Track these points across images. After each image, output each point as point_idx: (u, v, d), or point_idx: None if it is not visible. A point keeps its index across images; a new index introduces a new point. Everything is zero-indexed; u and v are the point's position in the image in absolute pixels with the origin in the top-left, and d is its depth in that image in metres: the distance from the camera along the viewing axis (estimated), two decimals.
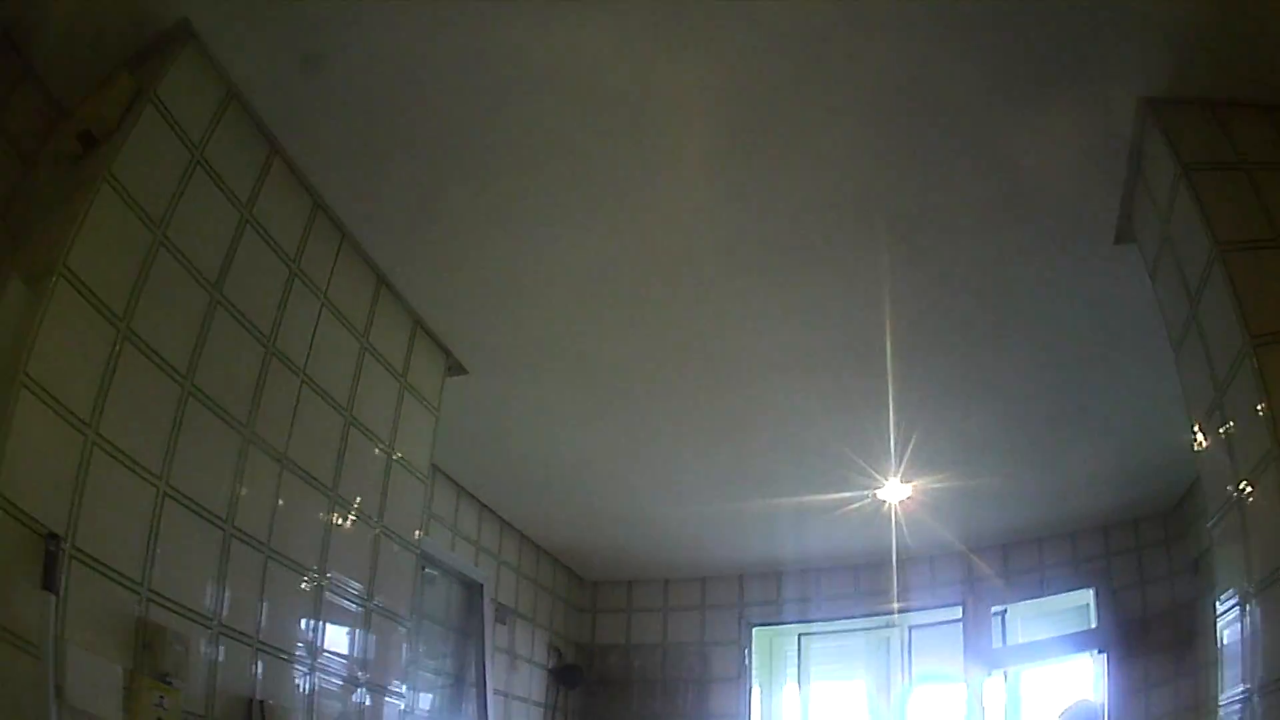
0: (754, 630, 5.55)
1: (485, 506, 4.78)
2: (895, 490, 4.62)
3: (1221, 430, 2.26)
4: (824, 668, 5.70)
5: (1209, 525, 2.41)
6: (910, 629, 5.57)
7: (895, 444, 4.13)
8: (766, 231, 3.01)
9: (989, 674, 5.18)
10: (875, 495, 4.67)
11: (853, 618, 5.52)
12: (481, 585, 4.58)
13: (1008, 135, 2.62)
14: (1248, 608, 2.13)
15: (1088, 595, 5.18)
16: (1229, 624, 2.27)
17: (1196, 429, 2.43)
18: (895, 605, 5.45)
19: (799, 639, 5.71)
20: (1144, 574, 5.10)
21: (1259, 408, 2.06)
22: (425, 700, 4.15)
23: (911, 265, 3.13)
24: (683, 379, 3.82)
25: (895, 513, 4.82)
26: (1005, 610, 5.45)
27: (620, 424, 4.15)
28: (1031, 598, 5.37)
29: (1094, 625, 5.04)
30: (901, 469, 4.41)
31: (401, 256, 3.06)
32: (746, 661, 5.39)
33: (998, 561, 5.40)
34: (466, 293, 3.24)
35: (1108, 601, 5.04)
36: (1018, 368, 3.74)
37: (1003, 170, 2.74)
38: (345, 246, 2.93)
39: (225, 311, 2.36)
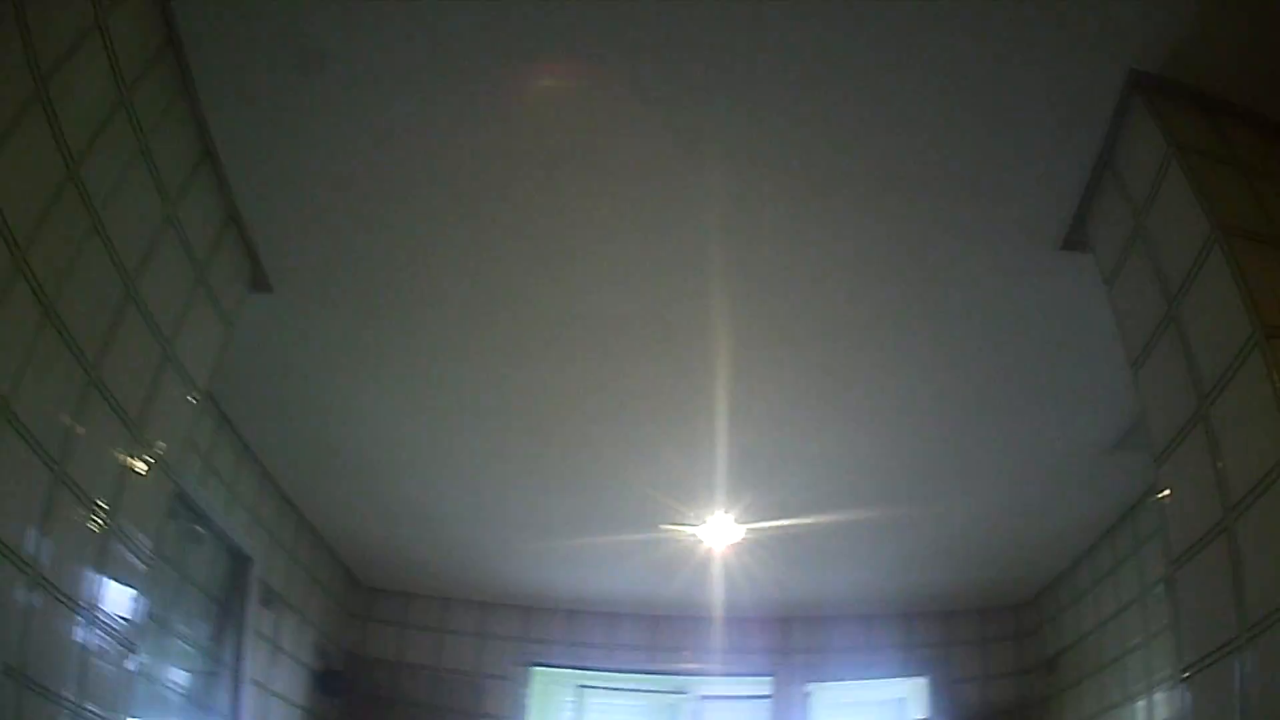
0: (534, 670, 4.98)
1: (268, 474, 4.14)
2: (718, 531, 4.13)
3: (1205, 446, 1.91)
4: None
5: (1170, 566, 1.94)
6: (703, 699, 4.98)
7: (725, 471, 3.67)
8: None
9: None
10: (693, 535, 4.18)
11: (641, 673, 4.95)
12: (251, 560, 3.93)
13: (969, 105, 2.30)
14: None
15: (908, 685, 4.88)
16: None
17: (1162, 456, 2.12)
18: (691, 665, 4.86)
19: (580, 690, 5.11)
20: (988, 667, 4.78)
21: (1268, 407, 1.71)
22: (179, 675, 3.60)
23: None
24: (510, 359, 3.27)
25: (713, 559, 4.34)
26: (810, 690, 5.01)
27: (428, 399, 3.55)
28: (854, 679, 4.96)
29: (929, 716, 4.73)
30: (727, 504, 3.94)
31: (232, 129, 2.45)
32: (522, 702, 4.83)
33: (818, 633, 4.99)
34: (292, 188, 2.64)
35: (944, 694, 4.65)
36: (887, 390, 3.35)
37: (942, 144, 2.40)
38: (181, 101, 2.35)
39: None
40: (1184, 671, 1.85)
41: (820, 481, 3.83)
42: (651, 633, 5.03)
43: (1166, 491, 2.08)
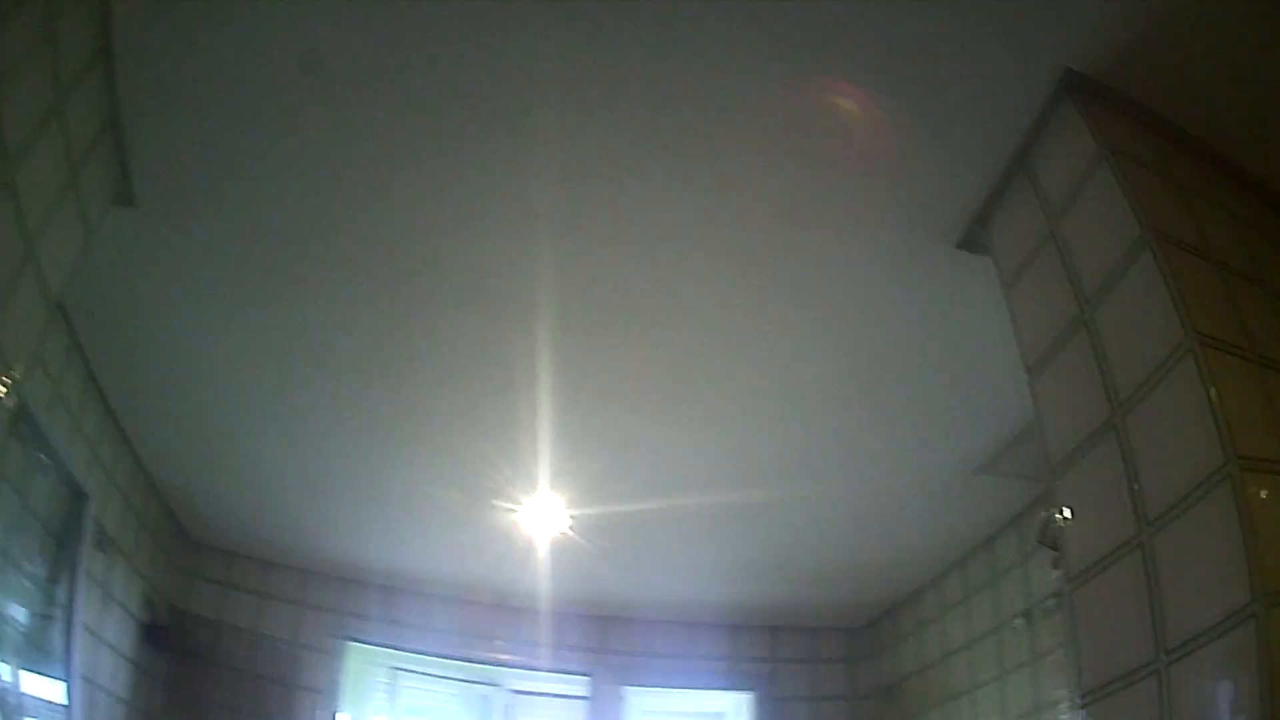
0: (349, 645, 4.63)
1: (110, 409, 3.72)
2: (542, 515, 3.85)
3: (1117, 455, 1.78)
4: (419, 713, 4.82)
5: (1070, 584, 1.79)
6: (513, 693, 4.71)
7: (551, 451, 3.40)
8: None
9: None
10: (515, 518, 3.88)
11: (454, 659, 4.66)
12: (88, 498, 3.59)
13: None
14: None
15: (732, 699, 4.74)
16: None
17: (1063, 466, 1.98)
18: (505, 656, 4.59)
19: (394, 672, 4.78)
20: (818, 688, 4.67)
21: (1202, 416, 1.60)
22: (19, 612, 3.30)
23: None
24: (355, 312, 2.93)
25: (535, 545, 4.05)
26: (627, 695, 4.79)
27: (267, 346, 3.15)
28: (676, 687, 4.77)
29: None
30: (553, 486, 3.67)
31: (131, 27, 2.13)
32: (337, 678, 4.49)
33: (638, 635, 4.78)
34: (176, 101, 2.30)
35: (770, 711, 4.57)
36: (743, 380, 3.13)
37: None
38: None
39: None
40: (1085, 697, 1.70)
41: (655, 472, 3.60)
42: (466, 618, 4.73)
43: (1066, 505, 1.94)
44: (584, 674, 4.67)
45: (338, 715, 4.56)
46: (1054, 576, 3.44)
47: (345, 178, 2.45)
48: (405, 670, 4.85)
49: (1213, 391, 1.59)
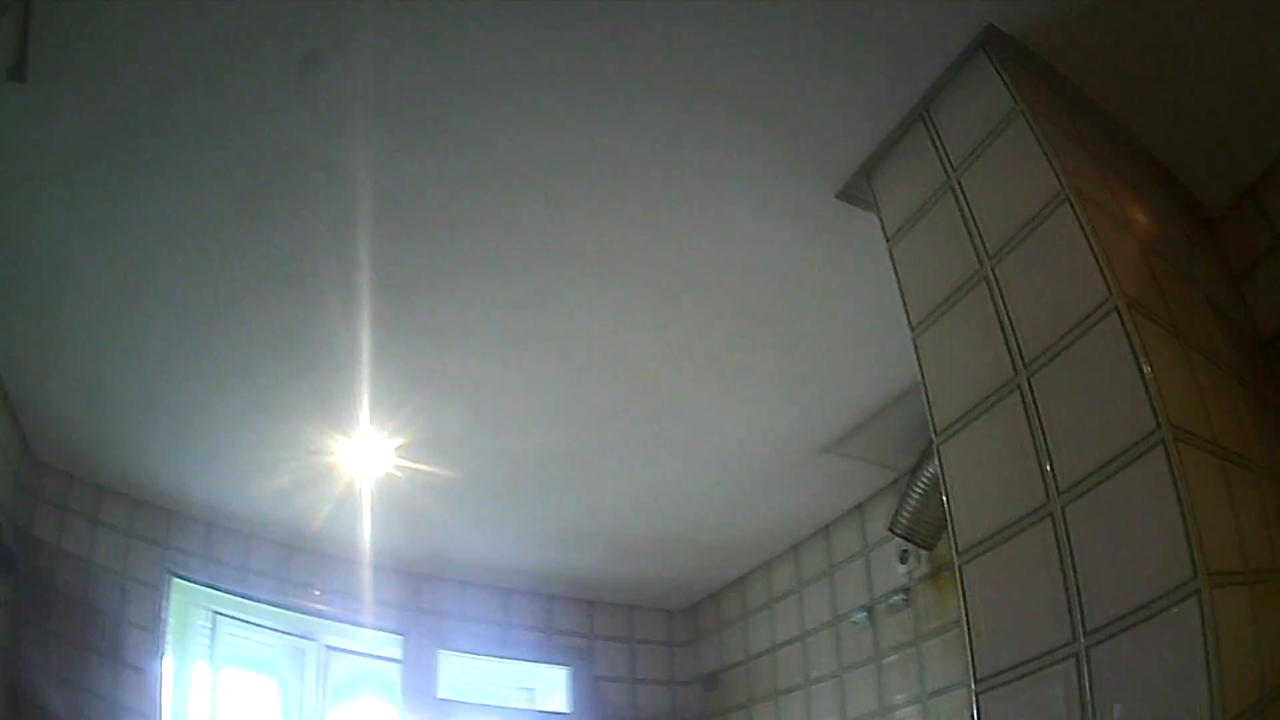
0: (175, 582, 4.18)
1: None
2: (363, 456, 3.47)
3: (1022, 416, 1.63)
4: (238, 662, 4.40)
5: (961, 558, 1.63)
6: (329, 650, 4.36)
7: (374, 386, 3.03)
8: None
9: None
10: (337, 456, 3.48)
11: (273, 605, 4.28)
12: None
13: None
14: None
15: (548, 672, 4.46)
16: None
17: (951, 431, 1.81)
18: (322, 607, 4.24)
19: (214, 617, 4.35)
20: (636, 670, 4.50)
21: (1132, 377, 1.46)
22: None
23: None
24: (211, 212, 2.51)
25: (356, 489, 3.66)
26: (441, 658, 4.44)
27: (132, 246, 2.67)
28: (491, 655, 4.44)
29: (569, 710, 4.32)
30: (376, 424, 3.28)
31: None
32: (163, 615, 4.05)
33: (453, 597, 4.46)
34: None
35: (586, 688, 4.32)
36: (592, 321, 2.83)
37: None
38: None
39: None
40: (982, 684, 1.54)
41: (485, 416, 3.26)
42: (285, 562, 4.31)
43: (954, 472, 1.77)
44: (398, 633, 4.33)
45: (162, 658, 4.10)
46: (900, 571, 3.36)
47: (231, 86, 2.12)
48: (226, 617, 4.42)
49: (1143, 358, 1.46)
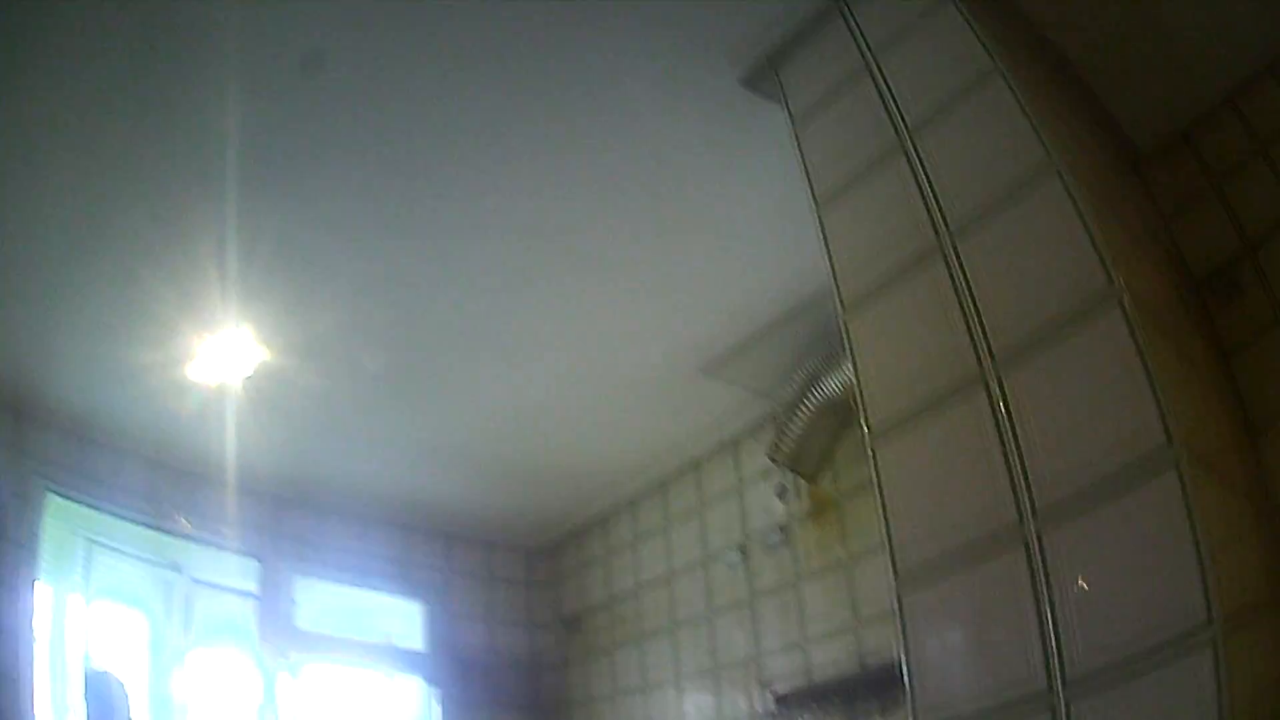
0: (50, 498, 3.75)
1: None
2: (227, 361, 3.15)
3: (946, 283, 1.50)
4: (109, 594, 4.05)
5: (873, 440, 1.46)
6: (194, 583, 4.02)
7: (238, 284, 2.73)
8: None
9: (287, 658, 3.89)
10: (201, 361, 3.14)
11: (142, 525, 3.89)
12: None
13: None
14: None
15: (408, 612, 4.19)
16: None
17: (860, 306, 1.67)
18: (186, 529, 3.87)
19: (88, 546, 3.98)
20: (494, 610, 4.27)
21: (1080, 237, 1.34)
22: None
23: None
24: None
25: (222, 399, 3.32)
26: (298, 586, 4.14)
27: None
28: (348, 584, 4.14)
29: (425, 650, 4.06)
30: (238, 323, 2.97)
31: None
32: (37, 531, 3.62)
33: (310, 523, 4.14)
34: None
35: (442, 627, 4.08)
36: (475, 206, 2.56)
37: None
38: None
39: None
40: (905, 580, 1.36)
41: (351, 317, 2.97)
42: (154, 480, 3.90)
43: (864, 347, 1.62)
44: (256, 557, 4.00)
45: (36, 583, 3.73)
46: (779, 508, 3.20)
47: None
48: (99, 545, 4.06)
49: (1090, 219, 1.34)
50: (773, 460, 3.04)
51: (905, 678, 1.29)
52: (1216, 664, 1.01)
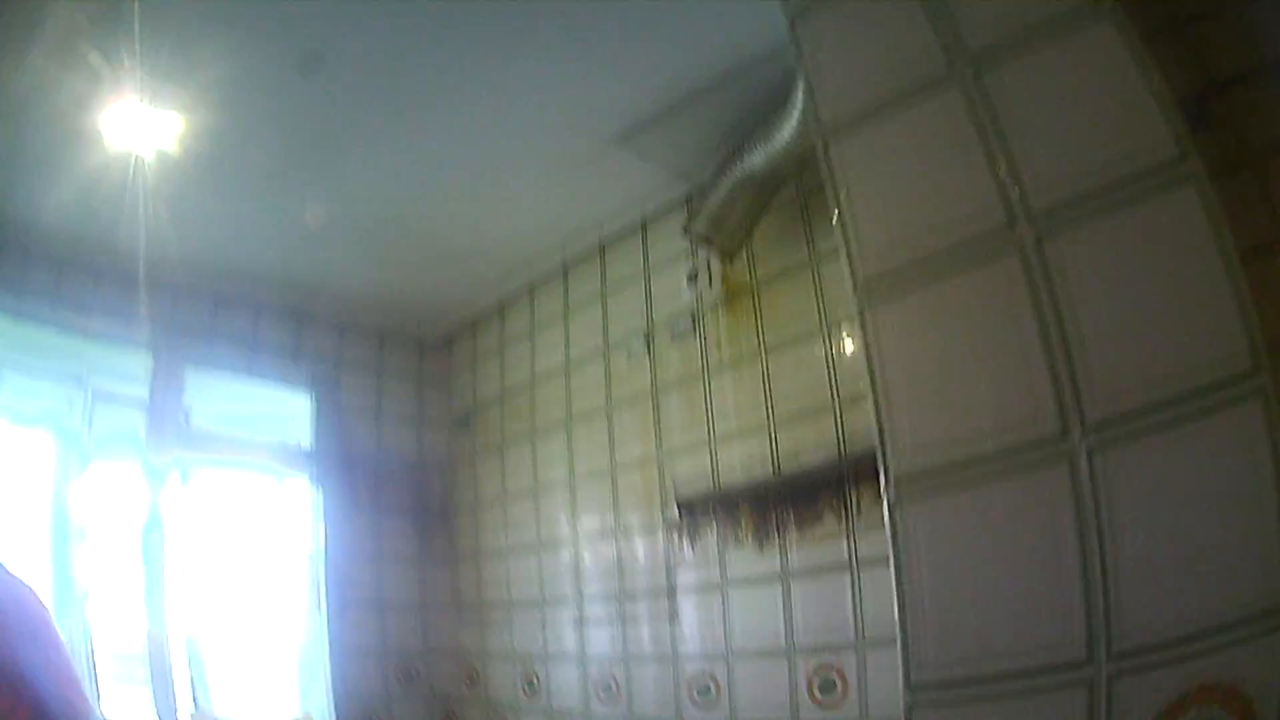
0: None
1: None
2: (141, 122, 2.70)
3: None
4: (12, 416, 3.78)
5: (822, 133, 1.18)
6: (95, 398, 3.70)
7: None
8: None
9: (177, 460, 3.62)
10: (102, 125, 2.70)
11: (48, 325, 3.51)
12: None
13: None
14: None
15: (298, 410, 3.94)
16: None
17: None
18: (89, 323, 3.52)
19: None
20: (385, 405, 4.02)
21: None
22: None
23: None
24: None
25: (139, 165, 2.86)
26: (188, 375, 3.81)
27: None
28: (239, 375, 3.81)
29: (312, 446, 3.82)
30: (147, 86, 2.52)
31: None
32: None
33: (205, 313, 3.78)
34: None
35: (330, 424, 3.83)
36: None
37: None
38: None
39: None
40: (867, 287, 1.16)
41: (255, 96, 2.59)
42: (58, 275, 3.50)
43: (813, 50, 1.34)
44: (149, 350, 3.65)
45: None
46: (689, 293, 2.94)
47: None
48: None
49: None
50: (685, 232, 2.76)
51: (876, 417, 1.04)
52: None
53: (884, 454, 1.08)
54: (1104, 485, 0.92)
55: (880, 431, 1.08)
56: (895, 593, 1.11)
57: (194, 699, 3.44)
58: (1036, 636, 1.02)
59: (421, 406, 4.08)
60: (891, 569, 1.11)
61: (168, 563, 3.47)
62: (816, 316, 2.63)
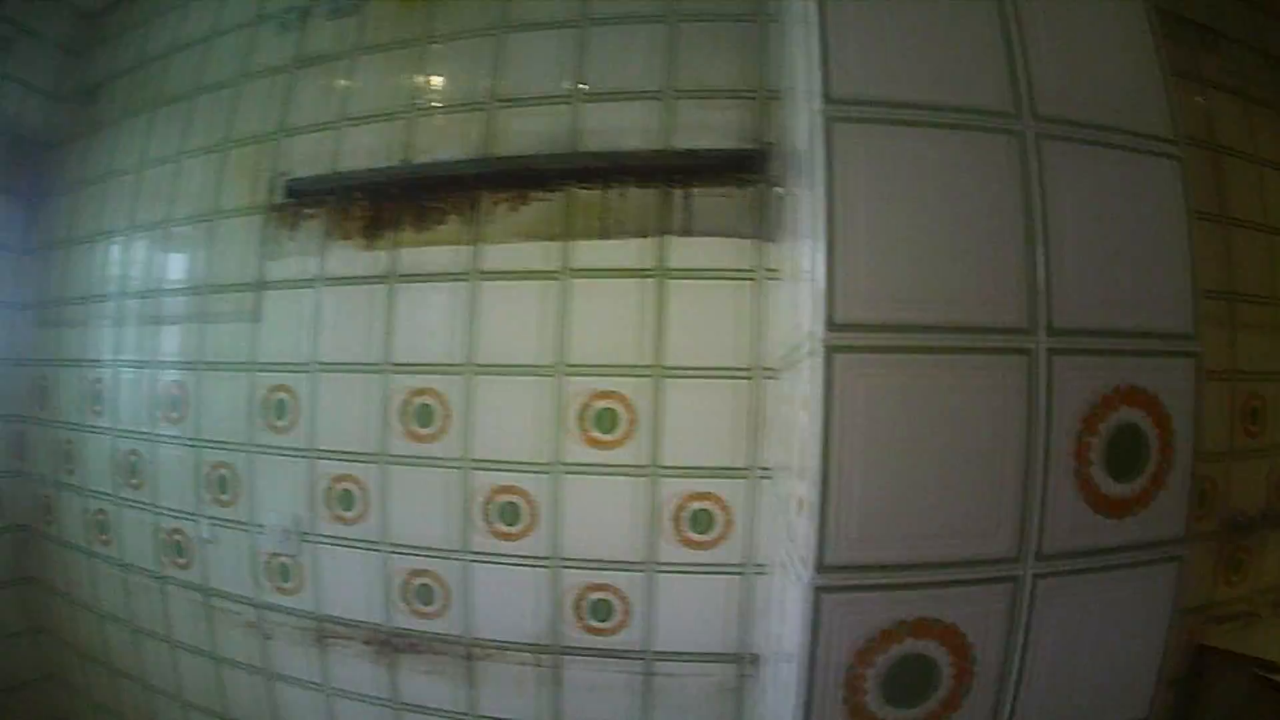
0: None
1: None
2: None
3: None
4: None
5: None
6: None
7: None
8: None
9: None
10: None
11: None
12: None
13: None
14: None
15: None
16: None
17: None
18: None
19: None
20: (14, 74, 3.27)
21: None
22: None
23: None
24: None
25: None
26: None
27: None
28: None
29: None
30: None
31: None
32: None
33: None
34: None
35: None
36: None
37: None
38: None
39: None
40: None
41: None
42: None
43: None
44: None
45: None
46: None
47: None
48: None
49: None
50: None
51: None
52: None
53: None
54: (1049, 175, 1.03)
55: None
56: (824, 233, 1.07)
57: None
58: (977, 294, 1.04)
59: (59, 76, 3.37)
60: (823, 201, 1.07)
61: None
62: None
